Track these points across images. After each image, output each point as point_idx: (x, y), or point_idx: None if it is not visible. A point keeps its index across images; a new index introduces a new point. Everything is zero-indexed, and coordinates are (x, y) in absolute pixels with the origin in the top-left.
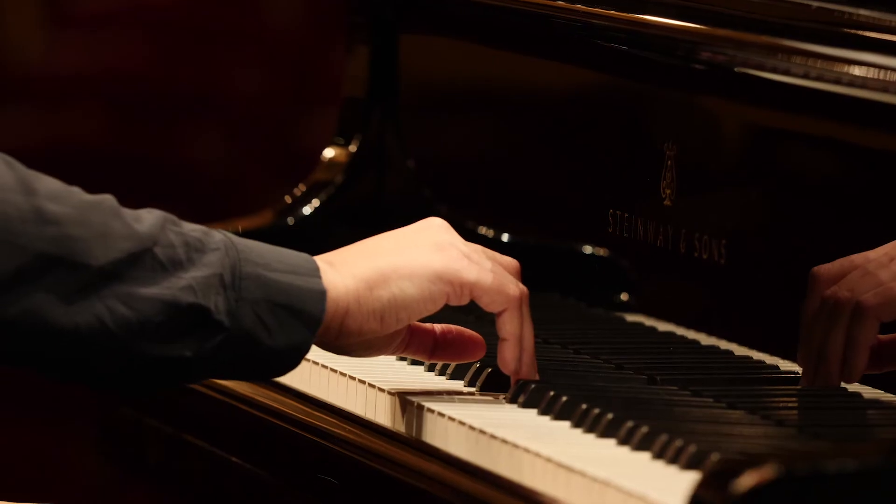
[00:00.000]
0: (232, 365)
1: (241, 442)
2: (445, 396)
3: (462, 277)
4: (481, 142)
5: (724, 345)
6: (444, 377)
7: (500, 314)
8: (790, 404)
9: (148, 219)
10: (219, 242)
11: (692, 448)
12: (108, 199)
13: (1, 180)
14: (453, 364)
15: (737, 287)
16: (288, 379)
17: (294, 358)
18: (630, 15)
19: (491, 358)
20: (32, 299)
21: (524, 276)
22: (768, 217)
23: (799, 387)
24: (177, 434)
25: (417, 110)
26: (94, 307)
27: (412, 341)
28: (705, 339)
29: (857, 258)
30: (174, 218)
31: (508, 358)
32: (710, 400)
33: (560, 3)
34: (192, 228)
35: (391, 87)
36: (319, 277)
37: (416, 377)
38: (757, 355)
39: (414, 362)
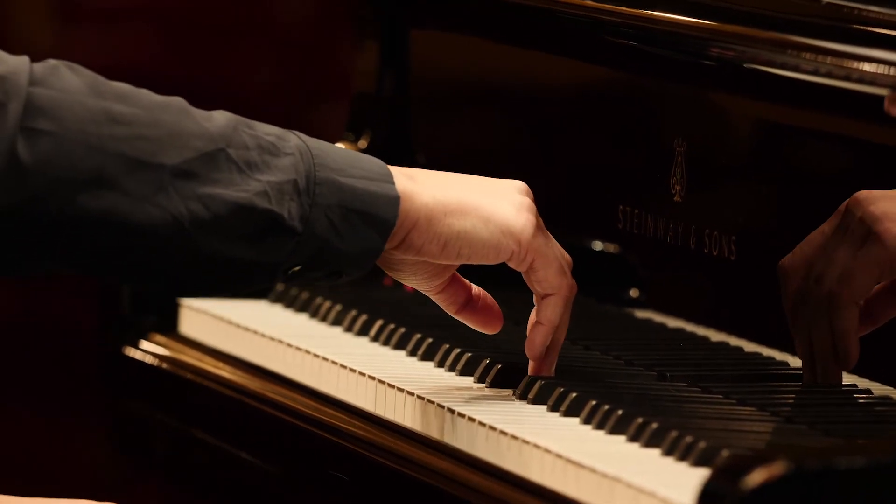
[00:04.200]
0: (302, 268)
1: (250, 437)
2: (455, 392)
3: (533, 244)
4: (490, 137)
5: (733, 341)
6: (453, 373)
7: (545, 297)
8: (800, 401)
9: (219, 119)
10: (293, 147)
11: (702, 444)
12: (177, 99)
13: (69, 84)
14: (463, 360)
15: (747, 283)
16: (297, 374)
17: (365, 262)
18: (639, 11)
19: (501, 355)
20: (111, 198)
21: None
22: (778, 213)
23: (808, 383)
24: (186, 428)
25: (427, 105)
26: (170, 206)
27: (448, 288)
28: (715, 336)
29: (815, 238)
30: (247, 120)
31: (538, 343)
32: (720, 396)
33: None
34: (267, 132)
35: (401, 83)
36: (393, 184)
37: (426, 373)
38: (767, 352)
39: (423, 358)
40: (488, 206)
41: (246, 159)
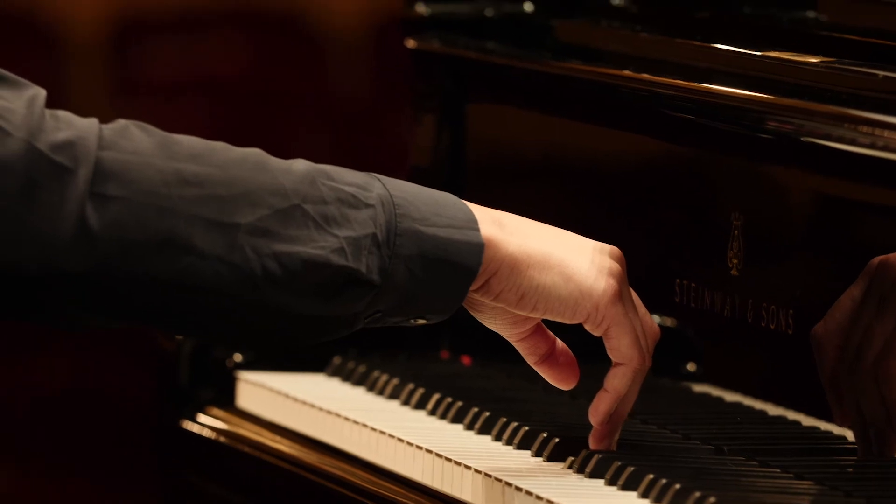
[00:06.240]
0: (381, 314)
1: None
2: (513, 466)
3: (610, 311)
4: (547, 211)
5: (791, 415)
6: (511, 447)
7: (615, 365)
8: (858, 475)
9: (298, 171)
10: (375, 197)
11: None
12: (255, 152)
13: (139, 146)
14: (520, 434)
15: (804, 357)
16: (355, 448)
17: (447, 308)
18: (696, 84)
19: (558, 428)
20: (184, 260)
21: (593, 345)
22: (835, 287)
23: (866, 456)
24: (244, 502)
25: (483, 179)
26: (244, 264)
27: (530, 338)
28: (773, 409)
29: (845, 304)
30: (328, 169)
31: (601, 410)
32: (778, 470)
33: (626, 72)
34: (348, 181)
35: (457, 157)
36: (478, 230)
37: (483, 447)
38: (824, 426)
39: (480, 432)
40: (572, 264)
41: (323, 214)
